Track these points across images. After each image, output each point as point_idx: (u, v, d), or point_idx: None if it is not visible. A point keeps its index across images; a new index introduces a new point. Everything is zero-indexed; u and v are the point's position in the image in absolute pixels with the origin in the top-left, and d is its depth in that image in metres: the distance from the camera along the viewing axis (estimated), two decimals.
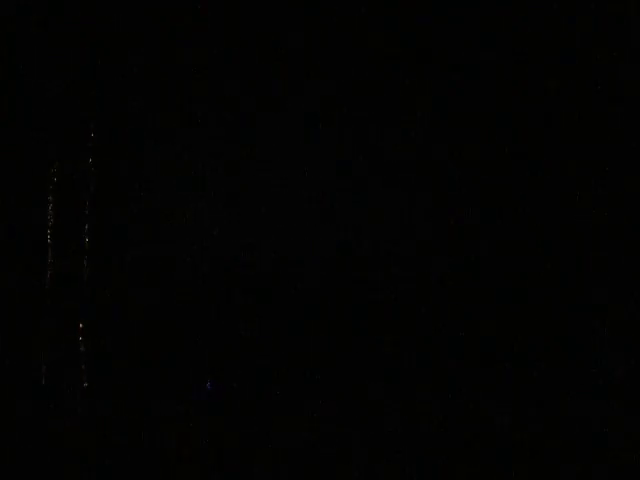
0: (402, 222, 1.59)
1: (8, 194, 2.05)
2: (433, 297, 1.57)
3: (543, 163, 1.44)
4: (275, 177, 1.76)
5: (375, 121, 1.57)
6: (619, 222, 1.32)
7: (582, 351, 1.36)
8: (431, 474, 1.34)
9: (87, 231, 2.07)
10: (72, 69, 2.15)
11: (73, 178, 2.10)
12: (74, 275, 2.03)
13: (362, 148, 1.62)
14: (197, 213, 2.14)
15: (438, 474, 1.33)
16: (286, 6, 1.67)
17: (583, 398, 1.33)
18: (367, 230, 1.64)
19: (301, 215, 1.77)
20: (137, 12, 2.16)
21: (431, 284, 1.57)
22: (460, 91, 1.51)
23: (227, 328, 1.91)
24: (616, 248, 1.33)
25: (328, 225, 1.71)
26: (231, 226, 1.98)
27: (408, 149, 1.56)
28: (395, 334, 1.62)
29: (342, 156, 1.63)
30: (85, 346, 1.97)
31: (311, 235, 1.75)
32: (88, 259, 2.07)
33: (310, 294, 1.80)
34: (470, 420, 1.44)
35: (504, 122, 1.49)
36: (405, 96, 1.51)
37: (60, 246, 2.05)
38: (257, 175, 1.81)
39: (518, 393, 1.41)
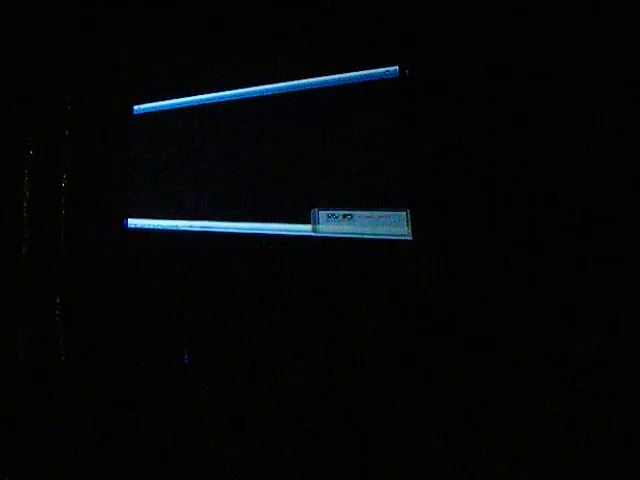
0: None
1: None
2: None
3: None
4: None
5: None
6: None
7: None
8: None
9: (64, 205, 2.04)
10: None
11: (50, 150, 2.06)
12: (51, 249, 2.00)
13: None
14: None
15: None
16: None
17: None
18: None
19: None
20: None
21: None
22: None
23: (204, 304, 1.89)
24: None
25: None
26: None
27: None
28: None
29: None
30: (62, 321, 1.95)
31: None
32: (65, 233, 2.04)
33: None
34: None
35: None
36: None
37: (36, 220, 2.02)
38: None
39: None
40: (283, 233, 1.76)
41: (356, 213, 1.66)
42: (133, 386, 1.74)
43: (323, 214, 1.71)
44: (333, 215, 1.69)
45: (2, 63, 2.06)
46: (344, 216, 1.68)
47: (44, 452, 1.49)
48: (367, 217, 1.64)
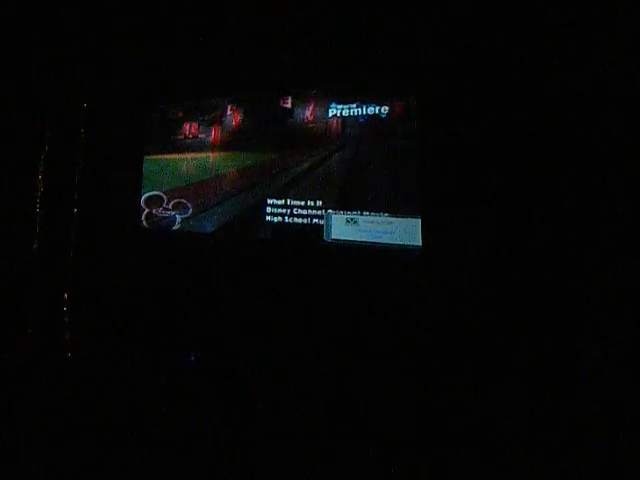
0: None
1: None
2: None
3: None
4: None
5: None
6: None
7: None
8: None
9: (76, 202, 2.05)
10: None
11: (64, 148, 2.07)
12: (61, 245, 2.01)
13: None
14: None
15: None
16: None
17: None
18: None
19: None
20: None
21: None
22: None
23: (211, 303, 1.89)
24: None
25: None
26: None
27: None
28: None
29: None
30: (70, 316, 1.95)
31: None
32: (76, 230, 2.04)
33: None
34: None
35: None
36: None
37: (49, 217, 2.02)
38: None
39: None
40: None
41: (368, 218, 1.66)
42: (136, 383, 1.73)
43: (338, 217, 1.72)
44: (351, 219, 1.70)
45: (19, 62, 2.08)
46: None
47: (45, 442, 1.47)
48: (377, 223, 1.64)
